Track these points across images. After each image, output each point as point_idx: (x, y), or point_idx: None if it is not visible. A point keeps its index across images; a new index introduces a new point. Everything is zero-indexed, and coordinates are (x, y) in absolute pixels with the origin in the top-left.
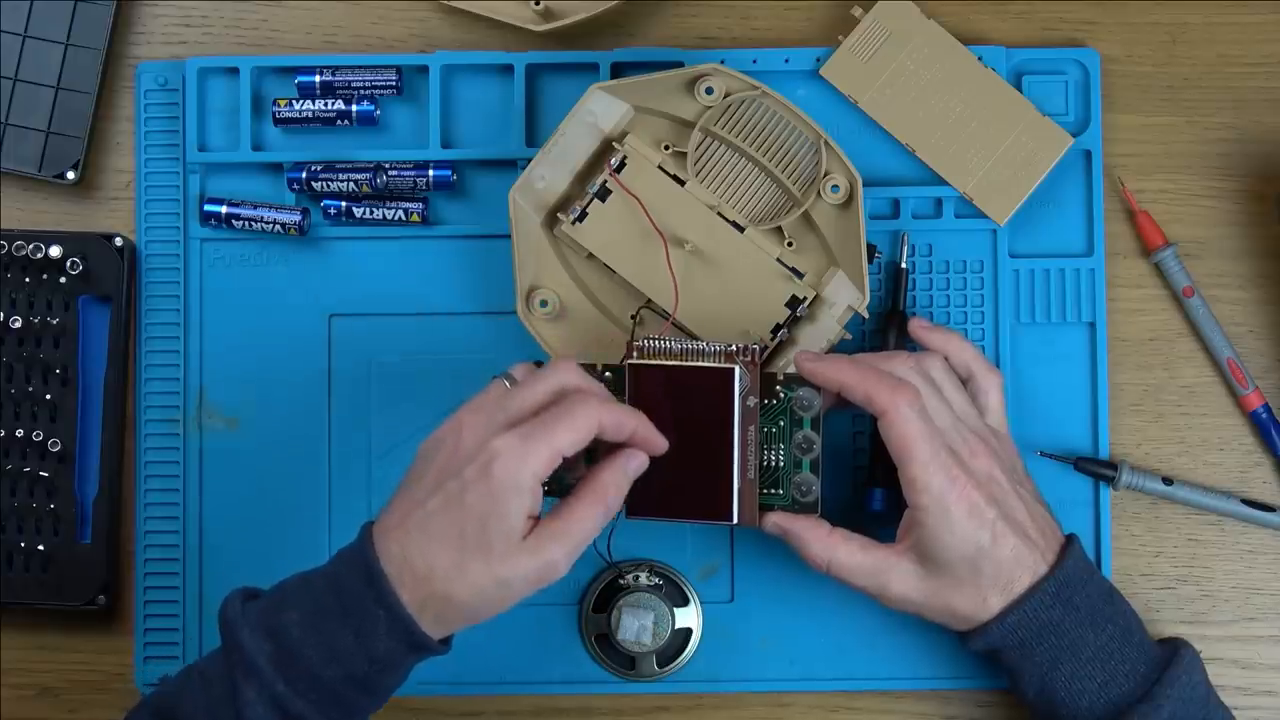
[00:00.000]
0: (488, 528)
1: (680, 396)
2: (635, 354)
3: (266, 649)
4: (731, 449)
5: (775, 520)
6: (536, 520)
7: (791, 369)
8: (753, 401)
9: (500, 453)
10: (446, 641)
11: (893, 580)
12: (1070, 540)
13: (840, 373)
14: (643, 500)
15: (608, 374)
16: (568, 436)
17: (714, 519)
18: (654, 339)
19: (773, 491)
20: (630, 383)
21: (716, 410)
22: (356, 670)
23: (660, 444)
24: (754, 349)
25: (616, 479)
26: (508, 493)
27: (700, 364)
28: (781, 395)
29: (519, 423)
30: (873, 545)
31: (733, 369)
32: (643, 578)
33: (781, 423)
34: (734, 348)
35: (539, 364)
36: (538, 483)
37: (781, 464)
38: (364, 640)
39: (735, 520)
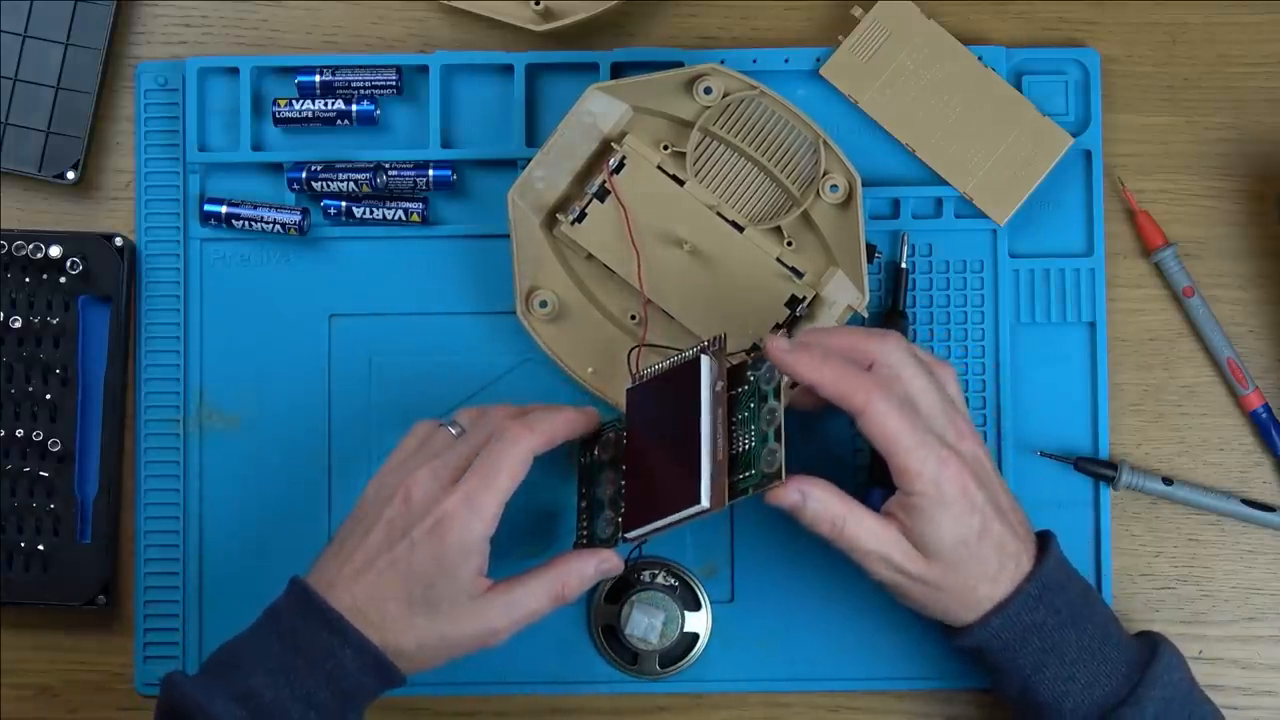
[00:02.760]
0: (435, 588)
1: (663, 405)
2: (633, 381)
3: (241, 716)
4: (701, 434)
5: (796, 486)
6: (486, 576)
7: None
8: (720, 386)
9: (449, 515)
10: (404, 676)
11: (895, 550)
12: (1047, 540)
13: (812, 372)
14: (634, 513)
15: (612, 433)
16: (507, 482)
17: (687, 507)
18: (643, 370)
19: (745, 474)
20: (627, 411)
21: (689, 404)
22: (332, 713)
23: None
24: (720, 337)
25: (581, 575)
26: (457, 556)
27: (673, 365)
28: (751, 378)
29: (461, 473)
30: (879, 514)
31: (699, 358)
32: (659, 577)
33: (752, 405)
34: (704, 342)
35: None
36: (487, 541)
37: (752, 445)
38: (336, 683)
39: (707, 503)
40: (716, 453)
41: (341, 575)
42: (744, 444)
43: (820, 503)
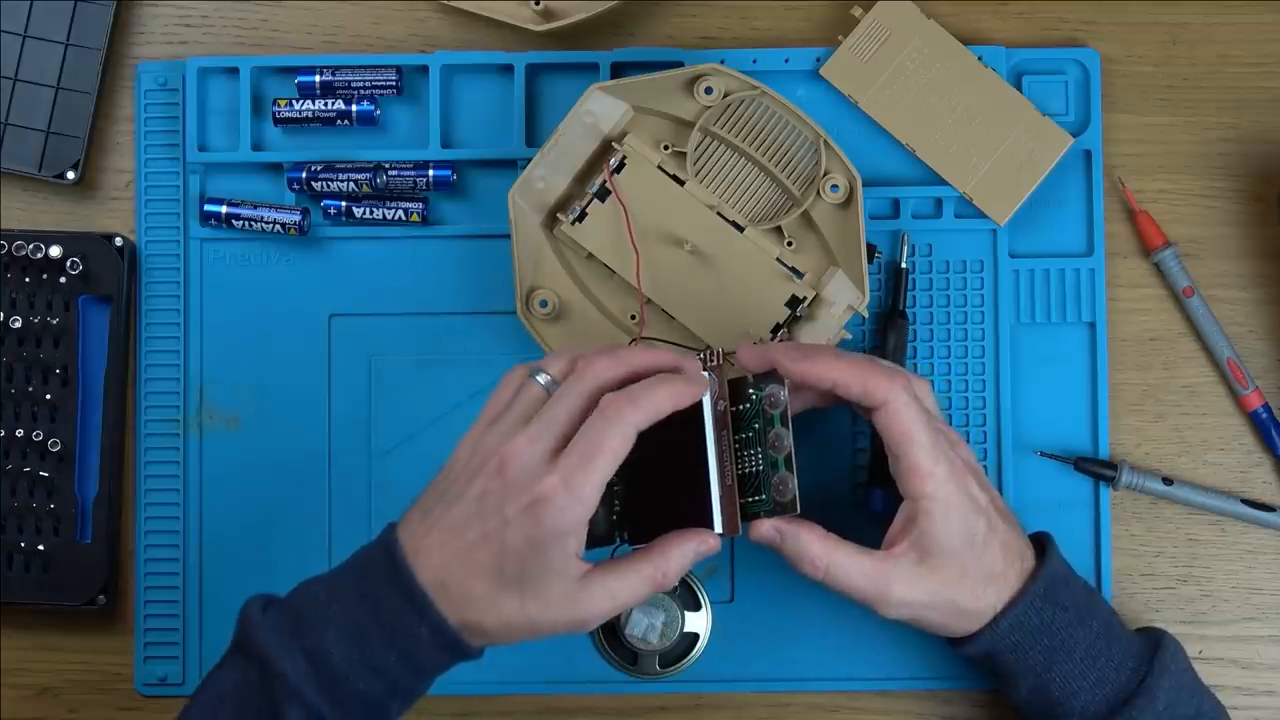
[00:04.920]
0: (527, 568)
1: (661, 420)
2: None
3: (308, 672)
4: (708, 458)
5: (772, 524)
6: (581, 559)
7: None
8: (722, 405)
9: (546, 499)
10: (480, 650)
11: (894, 582)
12: (1045, 540)
13: (832, 370)
14: (639, 529)
15: None
16: (608, 464)
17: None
18: None
19: (756, 498)
20: None
21: (691, 423)
22: (400, 683)
23: (697, 379)
24: (717, 351)
25: (683, 559)
26: (551, 539)
27: None
28: (753, 397)
29: (561, 445)
30: (871, 550)
31: None
32: None
33: (756, 426)
34: (700, 355)
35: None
36: (585, 522)
37: (760, 468)
38: (408, 657)
39: (719, 530)
40: (725, 477)
41: (425, 544)
42: (752, 466)
43: (799, 541)
